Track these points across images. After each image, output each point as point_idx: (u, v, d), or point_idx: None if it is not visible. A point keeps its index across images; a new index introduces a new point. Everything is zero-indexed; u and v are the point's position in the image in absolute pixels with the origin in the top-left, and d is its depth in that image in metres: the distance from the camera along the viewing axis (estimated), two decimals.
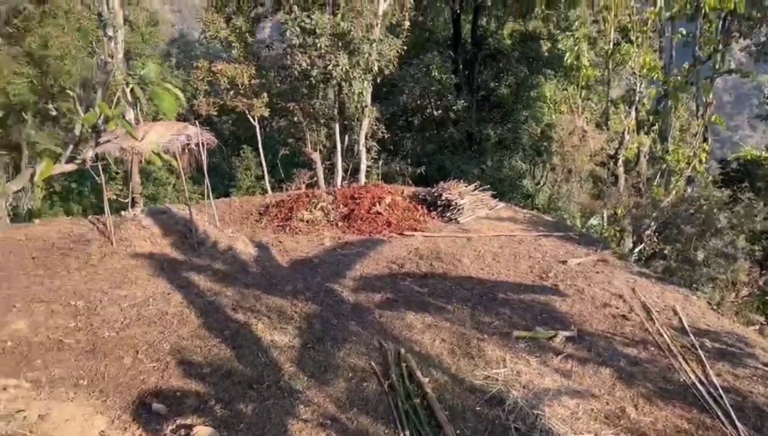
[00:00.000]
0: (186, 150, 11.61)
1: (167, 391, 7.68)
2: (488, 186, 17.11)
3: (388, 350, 8.58)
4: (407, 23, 19.09)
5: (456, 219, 14.56)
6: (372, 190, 15.53)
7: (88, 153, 3.85)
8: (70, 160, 4.00)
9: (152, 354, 8.56)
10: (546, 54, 28.86)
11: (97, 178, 11.72)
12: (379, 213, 14.54)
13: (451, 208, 14.70)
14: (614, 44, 20.29)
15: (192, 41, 41.75)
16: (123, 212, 12.76)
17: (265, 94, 18.62)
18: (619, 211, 18.38)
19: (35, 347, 8.68)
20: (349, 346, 8.85)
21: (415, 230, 14.03)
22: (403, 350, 8.46)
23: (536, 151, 29.77)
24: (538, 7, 25.26)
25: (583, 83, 19.69)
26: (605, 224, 20.57)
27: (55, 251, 12.03)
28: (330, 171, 21.31)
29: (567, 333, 9.23)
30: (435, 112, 30.60)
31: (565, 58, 18.83)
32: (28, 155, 22.80)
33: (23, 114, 22.92)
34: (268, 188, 19.49)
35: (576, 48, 18.49)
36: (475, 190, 15.75)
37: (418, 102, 29.54)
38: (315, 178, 21.79)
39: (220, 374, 8.06)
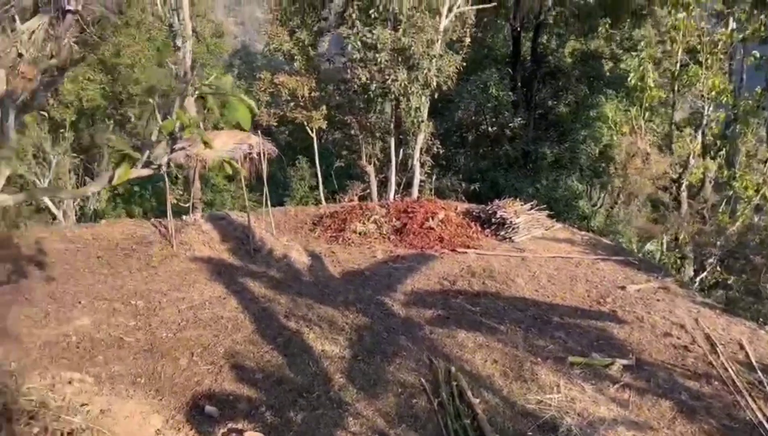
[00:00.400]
0: (247, 159, 11.93)
1: (220, 394, 7.83)
2: (543, 206, 16.78)
3: (438, 367, 8.49)
4: (468, 39, 19.09)
5: (510, 238, 14.33)
6: (425, 205, 15.50)
7: (164, 159, 3.99)
8: (146, 165, 4.14)
9: (207, 357, 8.75)
10: (608, 73, 28.31)
11: (166, 180, 12.18)
12: (432, 228, 14.49)
13: (506, 226, 14.48)
14: (681, 65, 19.64)
15: (254, 53, 43.03)
16: (184, 217, 13.18)
17: (324, 107, 18.95)
18: (681, 238, 17.72)
19: (97, 343, 9.03)
20: (399, 361, 8.82)
21: (468, 247, 13.89)
22: (453, 369, 8.35)
23: (594, 172, 29.12)
24: (602, 27, 24.88)
25: (647, 104, 19.12)
26: (664, 250, 19.84)
27: (119, 251, 12.52)
28: (383, 184, 21.41)
29: (625, 361, 8.91)
30: (490, 129, 30.36)
31: (630, 79, 18.36)
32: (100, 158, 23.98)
33: (101, 119, 24.14)
34: (322, 199, 19.76)
35: (641, 68, 18.01)
36: (531, 209, 15.48)
37: (473, 118, 29.42)
38: (368, 191, 21.95)
39: (271, 380, 8.17)
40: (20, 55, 4.34)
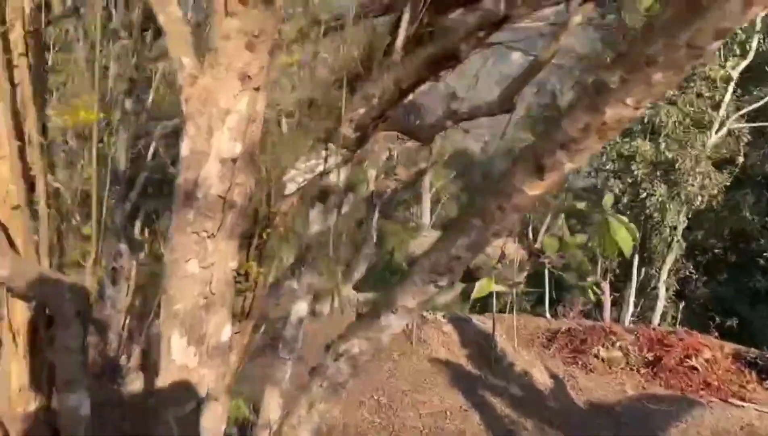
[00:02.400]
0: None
1: None
2: None
3: None
4: (741, 158, 17.15)
5: None
6: (685, 338, 13.46)
7: (522, 274, 3.67)
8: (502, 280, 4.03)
9: None
10: None
11: None
12: (695, 368, 12.39)
13: None
14: None
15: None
16: (425, 314, 12.95)
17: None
18: None
19: None
20: None
21: (744, 399, 11.55)
22: None
23: None
24: None
25: None
26: None
27: None
28: (615, 305, 19.52)
29: None
30: (729, 254, 26.72)
31: None
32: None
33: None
34: (546, 312, 18.50)
35: None
36: None
37: (711, 241, 26.24)
38: (588, 306, 20.17)
39: None
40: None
